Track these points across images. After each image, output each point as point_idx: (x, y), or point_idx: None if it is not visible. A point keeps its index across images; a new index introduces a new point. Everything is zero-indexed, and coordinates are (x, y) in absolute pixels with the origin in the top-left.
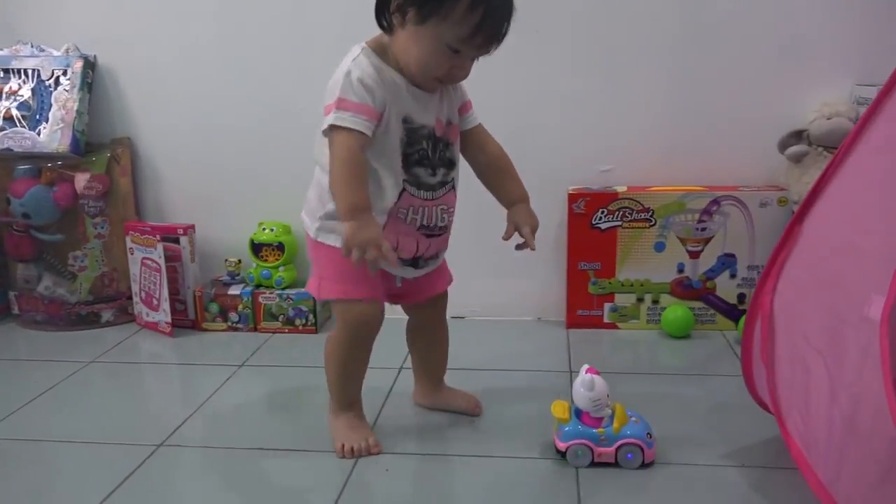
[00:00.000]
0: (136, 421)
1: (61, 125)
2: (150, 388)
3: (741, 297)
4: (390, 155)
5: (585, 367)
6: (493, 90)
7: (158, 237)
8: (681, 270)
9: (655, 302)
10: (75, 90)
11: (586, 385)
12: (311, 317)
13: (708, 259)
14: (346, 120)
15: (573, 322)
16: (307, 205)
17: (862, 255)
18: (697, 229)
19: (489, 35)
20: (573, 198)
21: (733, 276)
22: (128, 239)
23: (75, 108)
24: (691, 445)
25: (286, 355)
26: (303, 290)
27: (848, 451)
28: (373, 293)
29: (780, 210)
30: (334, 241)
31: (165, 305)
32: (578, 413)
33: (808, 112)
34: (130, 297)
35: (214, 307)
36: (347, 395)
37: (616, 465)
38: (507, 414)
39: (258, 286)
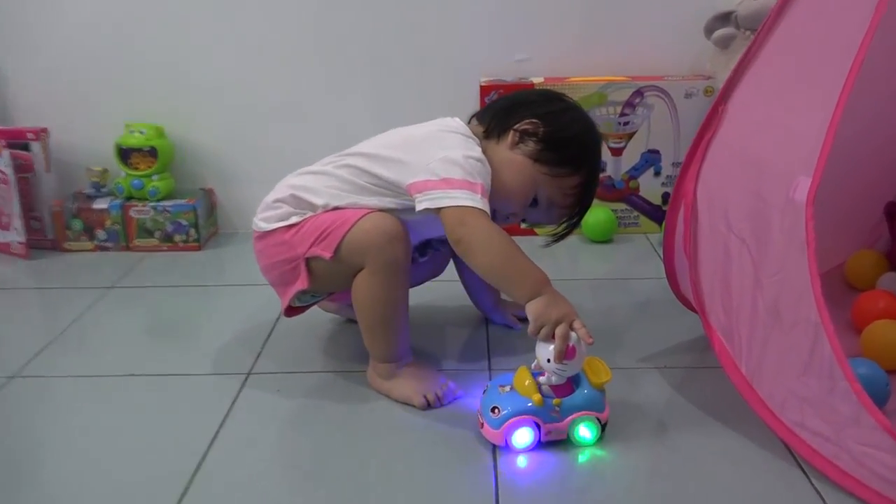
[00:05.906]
0: None
1: None
2: (1, 316)
3: (665, 197)
4: (419, 231)
5: None
6: None
7: (4, 143)
8: (602, 170)
9: None
10: None
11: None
12: (192, 231)
13: (631, 156)
14: (484, 205)
15: None
16: (282, 206)
17: (789, 134)
18: (620, 123)
19: (569, 214)
20: (485, 90)
21: (657, 174)
22: None
23: None
24: (611, 350)
25: (164, 276)
26: (181, 201)
27: (770, 342)
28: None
29: (706, 101)
30: (302, 217)
31: (18, 223)
32: None
33: None
34: None
35: (78, 224)
36: (397, 340)
37: None
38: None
39: (129, 198)
